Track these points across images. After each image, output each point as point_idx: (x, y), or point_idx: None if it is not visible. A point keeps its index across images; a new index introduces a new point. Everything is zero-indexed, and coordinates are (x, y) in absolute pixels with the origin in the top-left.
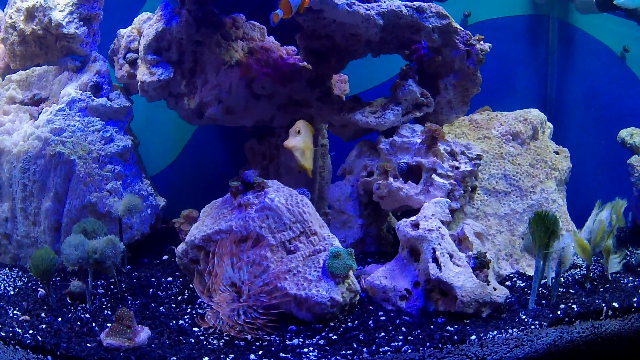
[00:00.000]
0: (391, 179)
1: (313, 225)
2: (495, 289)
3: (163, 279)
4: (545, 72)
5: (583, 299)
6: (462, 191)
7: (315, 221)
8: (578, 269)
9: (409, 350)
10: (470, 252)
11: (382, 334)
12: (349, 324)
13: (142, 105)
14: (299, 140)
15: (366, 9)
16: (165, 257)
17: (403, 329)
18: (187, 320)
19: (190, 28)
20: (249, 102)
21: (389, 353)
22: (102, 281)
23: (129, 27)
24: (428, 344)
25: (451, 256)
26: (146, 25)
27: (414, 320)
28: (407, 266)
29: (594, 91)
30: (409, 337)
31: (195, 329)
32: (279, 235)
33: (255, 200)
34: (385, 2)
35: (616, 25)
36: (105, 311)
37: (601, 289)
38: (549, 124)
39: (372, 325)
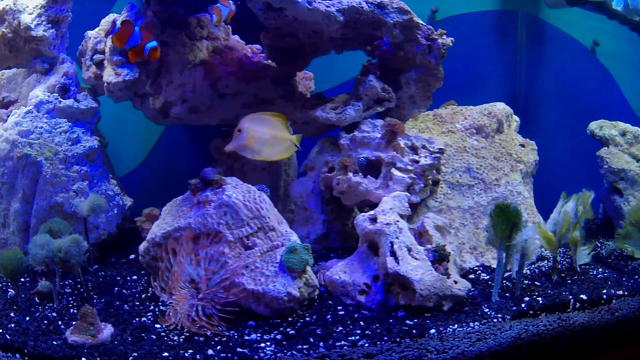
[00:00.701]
0: (350, 174)
1: (271, 221)
2: (456, 282)
3: (128, 278)
4: (514, 67)
5: (549, 292)
6: (423, 185)
7: (273, 217)
8: (546, 261)
9: (366, 345)
10: (429, 246)
11: (340, 328)
12: (307, 318)
13: (111, 106)
14: (240, 140)
15: (327, 6)
16: (132, 256)
17: (361, 323)
18: (149, 317)
19: (155, 29)
20: (213, 101)
21: (345, 347)
22: (70, 281)
23: (96, 29)
24: (386, 337)
25: (409, 250)
26: None
27: (373, 314)
28: (367, 260)
29: (565, 85)
30: (366, 332)
31: (157, 325)
32: (237, 231)
33: (213, 197)
34: None
35: (586, 19)
36: (72, 310)
37: (569, 281)
38: (516, 117)
39: (330, 319)
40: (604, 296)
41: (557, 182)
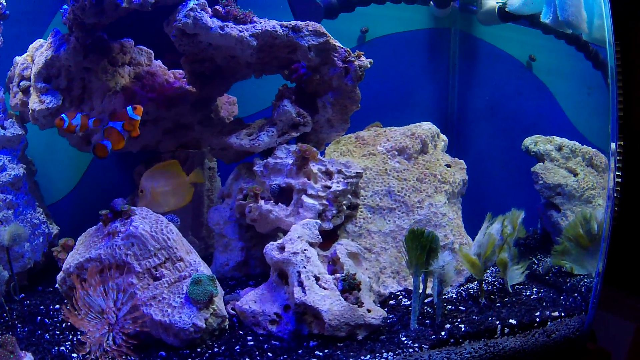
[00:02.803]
0: (262, 202)
1: (179, 251)
2: (369, 311)
3: (51, 307)
4: (447, 85)
5: (473, 317)
6: (335, 211)
7: (181, 247)
8: (476, 282)
9: None
10: (339, 274)
11: (247, 359)
12: (216, 349)
13: (43, 132)
14: (146, 200)
15: (239, 31)
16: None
17: (269, 354)
18: (67, 346)
19: (77, 55)
20: None
21: None
22: None
23: (24, 55)
24: None
25: (317, 279)
26: (38, 52)
27: (284, 344)
28: (277, 290)
29: (501, 101)
30: None
31: (74, 354)
32: (144, 262)
33: (122, 228)
34: (260, 23)
35: (520, 34)
36: None
37: (498, 304)
38: (443, 137)
39: (238, 350)
40: (537, 319)
41: (495, 200)
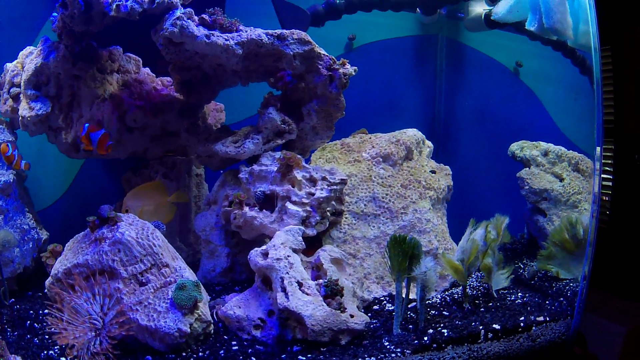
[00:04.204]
0: (246, 209)
1: (164, 257)
2: (352, 316)
3: (40, 312)
4: (434, 91)
5: (457, 322)
6: (319, 218)
7: (166, 253)
8: (460, 287)
9: None
10: (321, 280)
11: None
12: (200, 353)
13: (33, 139)
14: None
15: (225, 39)
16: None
17: (253, 358)
18: (56, 350)
19: (67, 62)
20: (122, 135)
21: None
22: None
23: (15, 61)
24: None
25: (300, 285)
26: (28, 59)
27: (268, 349)
28: (261, 295)
29: (488, 107)
30: None
31: (63, 358)
32: (131, 268)
33: (108, 234)
34: (246, 32)
35: (507, 40)
36: None
37: (482, 309)
38: (429, 143)
39: (222, 354)
40: (521, 323)
41: (482, 205)
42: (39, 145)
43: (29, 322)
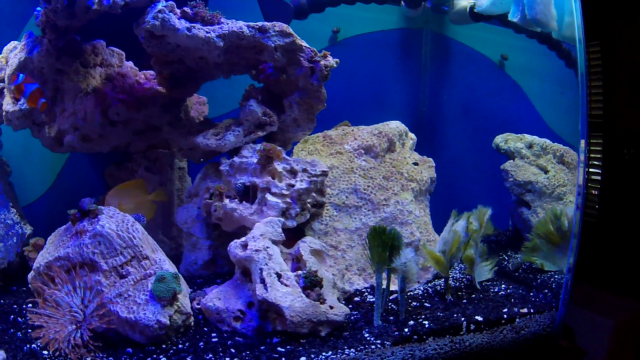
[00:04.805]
0: (227, 201)
1: (144, 249)
2: (332, 307)
3: (24, 306)
4: (418, 84)
5: (438, 314)
6: (299, 209)
7: (146, 245)
8: (443, 279)
9: None
10: (300, 272)
11: (210, 355)
12: (180, 345)
13: (18, 133)
14: None
15: (206, 32)
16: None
17: (232, 350)
18: (38, 344)
19: (50, 57)
20: (105, 129)
21: None
22: None
23: None
24: None
25: (279, 276)
26: (12, 54)
27: (247, 341)
28: (241, 287)
29: (473, 100)
30: (235, 359)
31: (45, 352)
32: (111, 260)
33: (89, 227)
34: (227, 24)
35: (492, 34)
36: None
37: (464, 301)
38: (412, 135)
39: (202, 346)
40: (504, 315)
41: (467, 198)
42: (23, 141)
43: (12, 316)
